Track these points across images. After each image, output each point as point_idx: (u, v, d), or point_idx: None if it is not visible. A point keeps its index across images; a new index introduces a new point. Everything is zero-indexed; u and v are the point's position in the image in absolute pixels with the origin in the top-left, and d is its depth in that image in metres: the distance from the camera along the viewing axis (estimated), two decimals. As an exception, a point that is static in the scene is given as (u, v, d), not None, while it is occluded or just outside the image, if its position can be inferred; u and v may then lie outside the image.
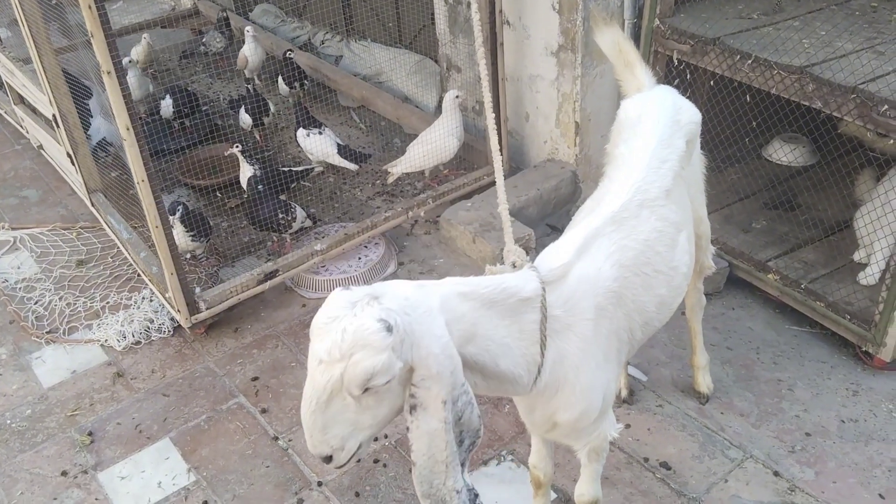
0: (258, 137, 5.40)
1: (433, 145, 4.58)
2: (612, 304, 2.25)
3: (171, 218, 3.97)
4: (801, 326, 3.88)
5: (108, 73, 3.24)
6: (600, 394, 2.25)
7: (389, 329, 1.73)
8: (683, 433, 3.31)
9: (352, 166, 4.84)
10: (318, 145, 4.82)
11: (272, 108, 5.34)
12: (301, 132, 4.88)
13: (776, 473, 3.12)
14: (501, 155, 4.28)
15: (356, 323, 1.73)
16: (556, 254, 2.23)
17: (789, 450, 3.22)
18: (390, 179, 4.84)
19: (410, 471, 3.17)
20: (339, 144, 4.85)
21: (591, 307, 2.18)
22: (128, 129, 3.34)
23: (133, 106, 3.36)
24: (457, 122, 4.55)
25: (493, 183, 4.61)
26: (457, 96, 4.54)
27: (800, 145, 4.68)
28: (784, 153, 4.69)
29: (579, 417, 2.23)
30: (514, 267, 2.27)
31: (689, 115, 2.66)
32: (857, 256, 3.96)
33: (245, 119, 5.27)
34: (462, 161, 4.84)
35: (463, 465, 1.91)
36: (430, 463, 1.83)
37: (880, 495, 3.02)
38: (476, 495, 1.92)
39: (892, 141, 3.41)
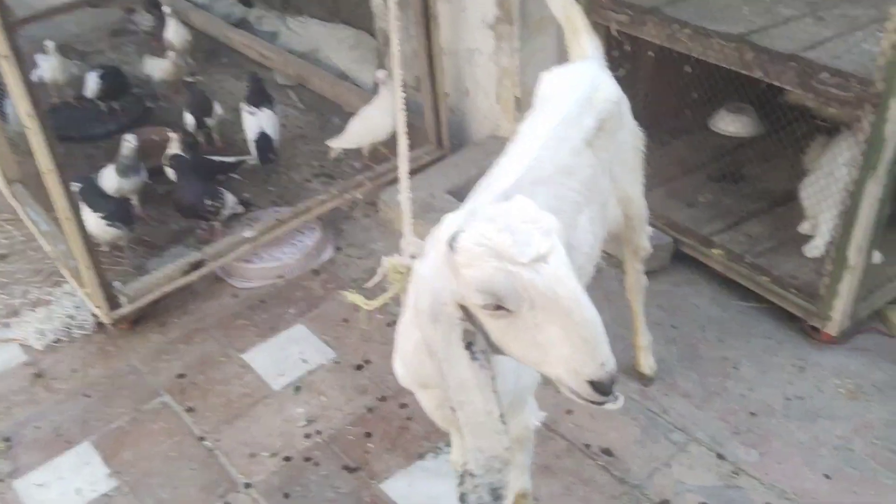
0: (201, 141, 5.00)
1: (369, 122, 4.40)
2: None
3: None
4: (748, 302, 3.78)
5: (6, 57, 3.02)
6: (512, 379, 2.11)
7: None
8: (626, 417, 3.20)
9: (250, 158, 4.62)
10: (245, 123, 4.64)
11: (218, 108, 4.90)
12: (241, 105, 4.70)
13: (720, 456, 3.02)
14: (429, 134, 4.09)
15: (523, 202, 1.65)
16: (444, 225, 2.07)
17: (734, 431, 3.12)
18: (332, 154, 4.66)
19: (349, 469, 3.04)
20: (262, 132, 4.60)
21: None
22: (30, 116, 3.12)
23: (36, 92, 3.15)
24: (388, 104, 4.36)
25: (435, 162, 4.47)
26: (387, 74, 4.35)
27: (746, 115, 4.57)
28: (730, 124, 4.57)
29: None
30: (413, 259, 2.11)
31: (605, 93, 2.51)
32: (803, 228, 3.87)
33: (187, 119, 4.88)
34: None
35: None
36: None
37: (825, 475, 2.93)
38: None
39: (833, 109, 3.30)
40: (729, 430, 3.12)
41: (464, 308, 1.67)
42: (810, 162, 4.10)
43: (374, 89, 5.02)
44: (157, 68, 5.34)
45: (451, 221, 1.69)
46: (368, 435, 3.21)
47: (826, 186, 3.61)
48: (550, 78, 2.58)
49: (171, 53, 5.42)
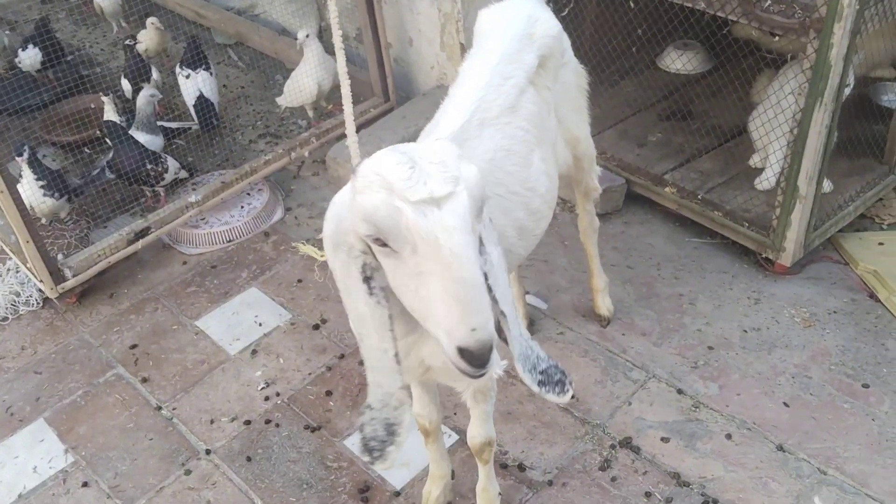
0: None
1: (297, 84, 4.30)
2: None
3: (18, 160, 3.62)
4: (702, 238, 3.79)
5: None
6: None
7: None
8: (585, 359, 3.19)
9: (194, 124, 4.53)
10: (182, 87, 4.51)
11: (155, 74, 4.70)
12: (177, 70, 4.55)
13: (679, 391, 3.04)
14: (374, 87, 3.99)
15: (440, 146, 1.63)
16: None
17: (692, 366, 3.13)
18: (281, 107, 4.60)
19: (311, 429, 3.00)
20: (200, 95, 4.46)
21: None
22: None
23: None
24: (316, 62, 4.25)
25: (383, 115, 4.39)
26: (307, 35, 4.22)
27: (694, 52, 4.54)
28: (677, 61, 4.54)
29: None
30: None
31: (544, 28, 2.44)
32: (753, 161, 3.88)
33: (124, 85, 4.71)
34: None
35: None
36: (511, 308, 1.78)
37: (785, 403, 2.97)
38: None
39: (777, 38, 3.28)
40: (687, 365, 3.14)
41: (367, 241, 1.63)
42: (757, 95, 4.09)
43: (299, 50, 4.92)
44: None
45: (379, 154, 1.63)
46: (329, 394, 3.18)
47: (774, 118, 3.60)
48: (488, 14, 2.51)
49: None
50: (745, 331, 3.28)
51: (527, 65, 2.33)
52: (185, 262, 3.89)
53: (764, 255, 3.54)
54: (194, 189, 4.13)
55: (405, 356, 2.07)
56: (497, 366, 2.22)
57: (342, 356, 3.32)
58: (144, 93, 4.18)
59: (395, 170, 1.50)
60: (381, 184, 1.50)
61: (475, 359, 1.51)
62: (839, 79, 3.09)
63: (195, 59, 4.48)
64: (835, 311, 3.34)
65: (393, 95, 4.42)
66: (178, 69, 4.53)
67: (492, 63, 2.28)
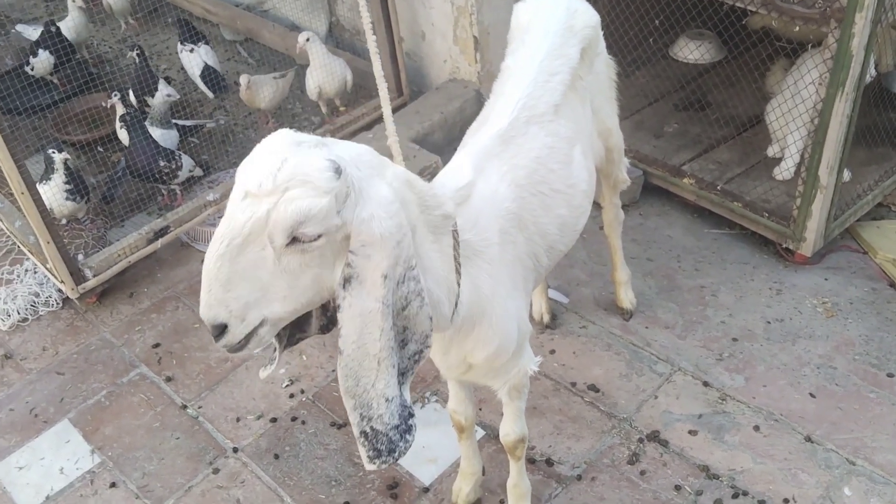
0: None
1: (309, 84, 4.32)
2: (514, 228, 2.09)
3: (55, 156, 3.68)
4: (721, 229, 3.79)
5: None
6: (514, 325, 2.09)
7: (338, 172, 1.50)
8: (609, 353, 3.20)
9: (209, 93, 4.63)
10: (187, 63, 4.63)
11: (163, 87, 4.50)
12: (179, 48, 4.68)
13: (706, 384, 3.04)
14: (387, 82, 3.98)
15: (300, 157, 1.50)
16: (453, 175, 2.02)
17: (717, 358, 3.14)
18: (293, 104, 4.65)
19: (337, 426, 3.02)
20: (206, 65, 4.57)
21: (496, 230, 2.01)
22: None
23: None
24: (318, 65, 4.24)
25: (395, 110, 4.36)
26: (307, 39, 4.21)
27: (706, 41, 4.53)
28: (691, 50, 4.52)
29: (496, 354, 2.06)
30: None
31: (584, 18, 2.44)
32: (771, 151, 3.87)
33: (132, 98, 4.57)
34: (361, 90, 4.54)
35: (404, 374, 1.66)
36: (360, 354, 1.59)
37: (811, 394, 2.97)
38: (411, 414, 1.66)
39: (798, 28, 3.27)
40: (712, 357, 3.14)
41: None
42: (773, 85, 4.09)
43: (326, 38, 4.90)
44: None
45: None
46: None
47: (792, 107, 3.59)
48: (525, 7, 2.51)
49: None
50: (769, 322, 3.28)
51: (571, 59, 2.33)
52: (203, 261, 3.87)
53: (784, 246, 3.54)
54: (210, 187, 4.12)
55: (445, 353, 2.08)
56: (532, 363, 2.23)
57: (365, 353, 3.31)
58: (161, 91, 4.18)
59: (258, 149, 1.57)
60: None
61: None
62: (860, 68, 3.08)
63: (193, 35, 4.65)
64: (856, 301, 3.34)
65: (406, 90, 4.41)
66: (180, 48, 4.68)
67: (537, 59, 2.28)
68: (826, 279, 3.48)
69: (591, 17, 2.47)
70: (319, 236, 1.51)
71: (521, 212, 2.09)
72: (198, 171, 4.12)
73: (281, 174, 1.48)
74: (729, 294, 3.42)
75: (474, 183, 1.98)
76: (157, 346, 3.48)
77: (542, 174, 2.16)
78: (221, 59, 5.23)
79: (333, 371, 3.26)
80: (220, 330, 1.56)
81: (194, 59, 4.61)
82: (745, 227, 3.65)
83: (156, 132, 4.08)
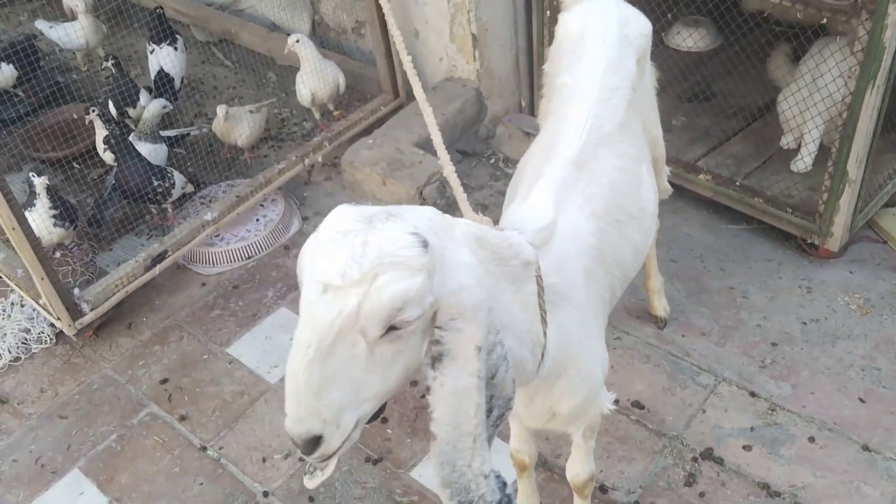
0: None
1: (300, 91, 4.09)
2: (596, 264, 1.95)
3: (35, 181, 3.39)
4: (739, 224, 3.69)
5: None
6: (600, 369, 1.96)
7: (425, 245, 1.34)
8: (649, 364, 3.08)
9: (191, 129, 4.40)
10: (151, 66, 4.42)
11: (144, 97, 4.27)
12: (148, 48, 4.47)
13: (753, 394, 2.95)
14: (382, 84, 3.76)
15: (382, 234, 1.33)
16: (530, 211, 1.86)
17: (760, 365, 3.04)
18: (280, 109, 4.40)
19: (372, 461, 2.85)
20: (160, 70, 4.34)
21: (580, 271, 1.86)
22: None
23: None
24: (311, 67, 4.00)
25: (393, 112, 4.18)
26: (297, 40, 3.98)
27: (703, 28, 4.41)
28: (687, 38, 4.40)
29: (583, 401, 1.93)
30: None
31: (637, 27, 2.30)
32: (785, 142, 3.78)
33: (111, 108, 4.26)
34: (353, 92, 4.34)
35: (488, 442, 1.50)
36: (455, 435, 1.43)
37: (860, 399, 2.90)
38: (504, 483, 1.51)
39: (798, 12, 3.14)
40: (755, 364, 3.05)
41: None
42: (774, 71, 3.99)
43: (310, 36, 4.67)
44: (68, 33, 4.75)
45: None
46: (384, 421, 3.02)
47: (807, 97, 3.50)
48: (574, 18, 2.33)
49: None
50: (805, 323, 3.20)
51: (630, 72, 2.19)
52: (203, 284, 3.67)
53: (809, 241, 3.46)
54: (203, 203, 3.90)
55: (528, 404, 1.93)
56: (607, 402, 2.09)
57: (392, 378, 3.15)
58: (156, 103, 3.93)
59: (324, 234, 1.37)
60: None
61: (296, 444, 1.41)
62: (892, 60, 2.99)
63: (159, 35, 4.40)
64: (887, 296, 3.28)
65: (402, 91, 4.22)
66: (147, 45, 4.45)
67: (598, 74, 2.12)
68: (852, 273, 3.41)
69: (644, 26, 2.33)
70: (418, 317, 1.35)
71: (601, 245, 1.95)
72: (189, 188, 3.89)
73: (367, 259, 1.31)
74: (759, 295, 3.33)
75: (555, 223, 1.82)
76: (164, 381, 3.27)
77: (616, 201, 2.02)
78: (195, 62, 4.97)
79: (360, 400, 3.09)
80: (315, 443, 1.37)
81: (153, 60, 4.37)
82: (765, 221, 3.56)
83: (145, 148, 3.83)
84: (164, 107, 3.94)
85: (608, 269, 1.99)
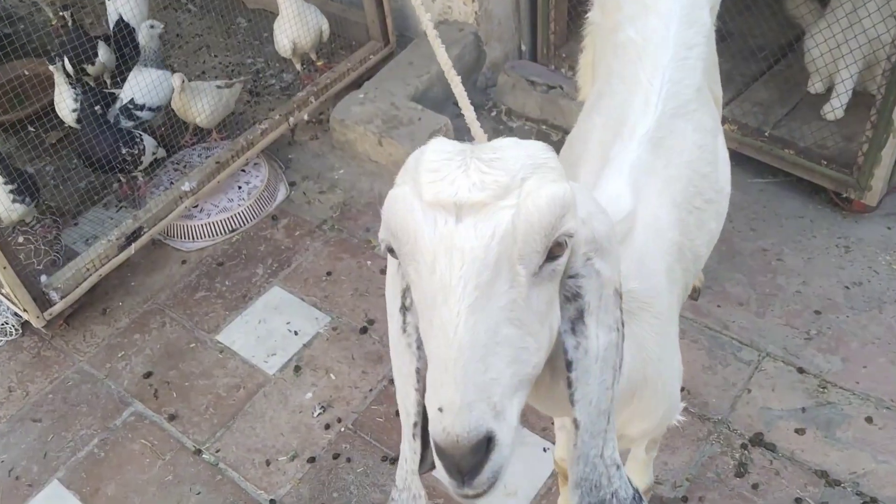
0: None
1: (277, 41, 3.68)
2: (676, 261, 1.65)
3: None
4: (764, 177, 3.42)
5: None
6: (678, 385, 1.68)
7: (554, 151, 1.14)
8: (685, 341, 2.82)
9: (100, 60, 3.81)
10: (109, 13, 3.92)
11: (103, 51, 3.77)
12: None
13: (800, 370, 2.71)
14: (371, 29, 3.34)
15: (508, 144, 1.11)
16: (603, 200, 1.54)
17: (805, 337, 2.80)
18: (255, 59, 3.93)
19: (390, 460, 2.56)
20: (119, 18, 3.84)
21: (663, 272, 1.58)
22: None
23: None
24: (292, 13, 3.57)
25: (384, 61, 3.81)
26: None
27: (713, -40, 4.06)
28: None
29: (658, 423, 1.66)
30: None
31: None
32: (814, 87, 3.49)
33: (66, 66, 3.69)
34: (338, 39, 3.94)
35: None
36: (594, 417, 1.19)
37: (917, 372, 2.67)
38: (629, 480, 1.29)
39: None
40: (800, 336, 2.80)
41: None
42: (795, 9, 3.68)
43: None
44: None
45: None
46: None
47: (841, 42, 3.20)
48: None
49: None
50: (847, 287, 2.95)
51: (705, 25, 1.87)
52: (184, 262, 3.31)
53: (844, 195, 3.20)
54: (177, 169, 3.52)
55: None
56: (677, 412, 1.82)
57: (403, 364, 2.86)
58: (144, 26, 3.53)
59: (430, 157, 1.10)
60: (412, 174, 1.11)
61: (445, 457, 1.02)
62: (949, -4, 2.69)
63: None
64: (930, 253, 3.05)
65: (392, 38, 3.82)
66: None
67: (671, 29, 1.79)
68: (889, 228, 3.17)
69: None
70: (573, 240, 1.11)
71: (681, 238, 1.65)
72: (161, 152, 3.50)
73: (508, 164, 1.07)
74: (795, 256, 3.07)
75: (635, 210, 1.51)
76: (148, 375, 2.94)
77: (696, 184, 1.72)
78: (157, 8, 4.50)
79: (371, 390, 2.80)
80: (484, 447, 1.02)
81: (111, 9, 3.89)
82: (790, 173, 3.29)
83: (152, 75, 3.48)
84: (153, 26, 3.51)
85: (686, 265, 1.70)
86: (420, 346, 1.24)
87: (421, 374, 1.26)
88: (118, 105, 3.51)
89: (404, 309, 1.25)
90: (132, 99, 3.49)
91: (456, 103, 3.77)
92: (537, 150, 1.11)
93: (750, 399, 2.65)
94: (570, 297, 1.16)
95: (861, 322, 2.83)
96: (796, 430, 2.56)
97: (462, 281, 1.03)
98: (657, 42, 1.78)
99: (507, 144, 1.11)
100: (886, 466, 2.45)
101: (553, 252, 1.08)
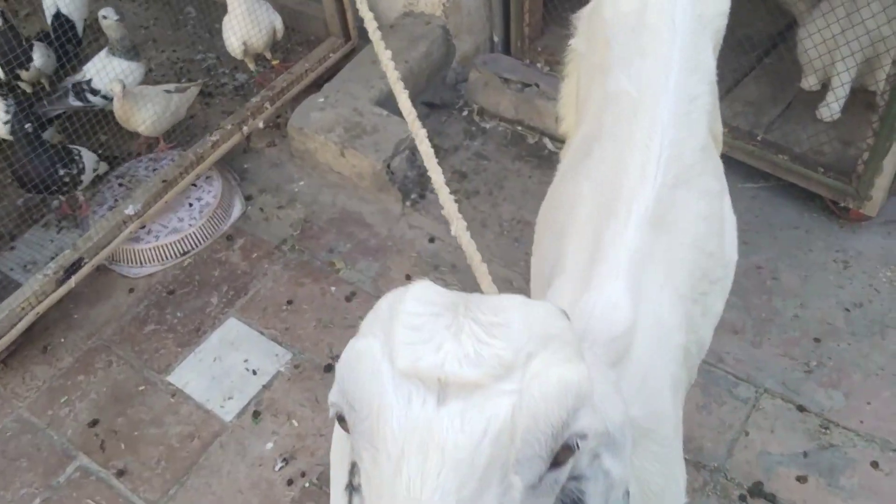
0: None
1: (224, 37, 3.36)
2: (681, 366, 1.42)
3: None
4: (756, 182, 3.20)
5: None
6: None
7: (569, 319, 0.94)
8: (676, 376, 2.61)
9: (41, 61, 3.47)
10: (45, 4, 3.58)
11: (39, 53, 3.40)
12: None
13: (801, 408, 2.52)
14: (329, 24, 3.06)
15: (519, 304, 0.89)
16: (598, 306, 1.29)
17: (805, 370, 2.61)
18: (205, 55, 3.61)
19: None
20: (57, 13, 3.48)
21: (668, 387, 1.35)
22: None
23: None
24: (241, 10, 3.26)
25: (345, 60, 3.52)
26: None
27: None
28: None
29: None
30: None
31: (715, 6, 1.72)
32: (808, 84, 3.25)
33: None
34: (294, 34, 3.62)
35: None
36: None
37: (924, 408, 2.49)
38: None
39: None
40: (799, 369, 2.61)
41: None
42: (788, -1, 3.43)
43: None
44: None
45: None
46: None
47: (838, 35, 2.96)
48: None
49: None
50: (847, 309, 2.76)
51: (709, 70, 1.63)
52: (131, 290, 3.04)
53: (842, 205, 2.99)
54: (121, 185, 3.23)
55: None
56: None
57: (372, 406, 2.63)
58: (100, 17, 3.23)
59: (411, 308, 0.87)
60: (382, 326, 0.89)
61: None
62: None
63: None
64: (932, 266, 2.86)
65: (354, 33, 3.53)
66: None
67: (670, 78, 1.53)
68: (889, 239, 2.98)
69: (723, 2, 1.74)
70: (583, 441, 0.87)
71: (687, 337, 1.42)
72: (103, 167, 3.20)
73: (514, 332, 0.84)
74: (791, 274, 2.87)
75: (634, 323, 1.26)
76: (94, 423, 2.69)
77: (702, 265, 1.49)
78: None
79: (337, 438, 2.57)
80: None
81: (48, 2, 3.53)
82: (782, 178, 3.08)
83: (118, 66, 3.21)
84: (105, 17, 3.20)
85: (691, 364, 1.48)
86: None
87: None
88: (73, 79, 3.25)
89: (351, 489, 1.00)
90: (90, 80, 3.19)
91: (424, 102, 3.50)
92: (550, 316, 0.89)
93: (748, 442, 2.46)
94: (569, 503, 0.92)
95: (863, 350, 2.64)
96: (797, 478, 2.37)
97: (438, 493, 0.79)
98: (655, 94, 1.52)
99: (512, 305, 0.88)
100: (895, 518, 2.28)
101: (558, 458, 0.85)
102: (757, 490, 2.36)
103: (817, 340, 2.68)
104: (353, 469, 1.00)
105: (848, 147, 3.02)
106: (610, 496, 0.96)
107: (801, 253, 2.95)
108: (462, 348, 0.83)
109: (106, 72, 3.18)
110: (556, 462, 0.85)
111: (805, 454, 2.42)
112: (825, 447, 2.43)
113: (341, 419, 0.92)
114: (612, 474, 0.96)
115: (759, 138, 3.09)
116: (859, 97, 3.12)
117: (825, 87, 3.17)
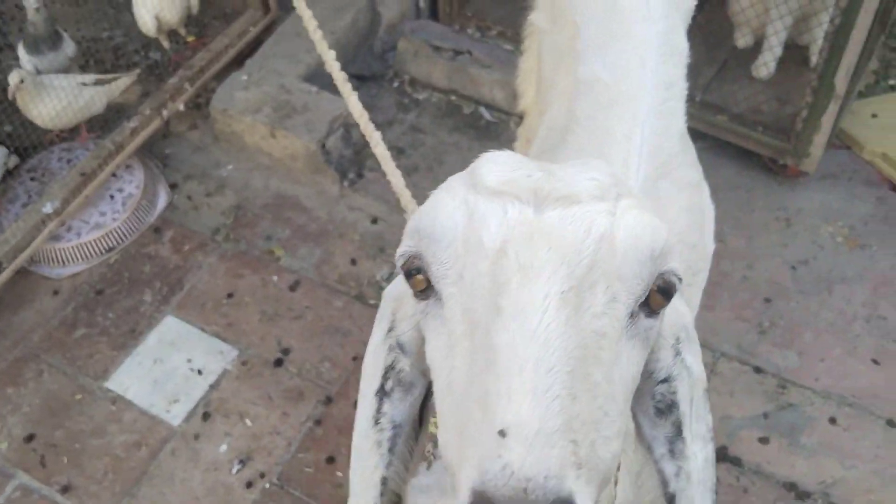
0: None
1: (134, 12, 3.13)
2: None
3: None
4: (695, 142, 3.18)
5: None
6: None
7: None
8: (634, 346, 2.61)
9: None
10: None
11: None
12: None
13: (758, 370, 2.55)
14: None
15: (595, 162, 0.88)
16: None
17: (758, 331, 2.64)
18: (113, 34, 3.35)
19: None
20: None
21: None
22: None
23: None
24: None
25: (266, 32, 3.34)
26: None
27: None
28: None
29: None
30: None
31: None
32: (742, 41, 3.26)
33: None
34: (210, 8, 3.41)
35: None
36: None
37: (874, 360, 2.56)
38: None
39: None
40: (753, 330, 2.63)
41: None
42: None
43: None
44: None
45: None
46: (331, 460, 2.42)
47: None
48: None
49: None
50: (793, 267, 2.80)
51: (683, 53, 1.58)
52: (56, 292, 2.84)
53: (781, 162, 3.02)
54: (34, 179, 3.01)
55: None
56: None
57: (328, 399, 2.54)
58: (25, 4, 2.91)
59: (489, 167, 0.85)
60: (464, 179, 0.85)
61: None
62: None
63: None
64: (870, 221, 2.94)
65: (274, 4, 3.33)
66: None
67: (647, 64, 1.47)
68: (828, 194, 3.06)
69: None
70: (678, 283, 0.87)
71: None
72: (13, 160, 2.97)
73: (603, 175, 0.84)
74: (737, 236, 2.89)
75: None
76: (30, 438, 2.51)
77: (685, 258, 1.45)
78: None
79: (295, 435, 2.48)
80: None
81: None
82: (719, 137, 3.09)
83: (44, 60, 2.95)
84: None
85: None
86: (392, 448, 0.98)
87: (388, 487, 0.99)
88: None
89: (382, 393, 0.98)
90: None
91: (353, 74, 3.36)
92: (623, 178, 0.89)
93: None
94: (665, 408, 0.95)
95: (811, 307, 2.69)
96: (760, 440, 2.40)
97: (550, 264, 0.75)
98: (633, 84, 1.46)
99: (597, 163, 0.87)
100: (855, 472, 2.34)
101: (652, 303, 0.82)
102: (722, 454, 2.38)
103: (768, 301, 2.71)
104: (388, 372, 0.98)
105: (784, 105, 3.04)
106: (694, 395, 0.98)
107: (744, 214, 2.97)
108: (554, 178, 0.81)
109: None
110: (651, 309, 0.83)
111: (765, 415, 2.45)
112: (784, 407, 2.47)
113: (410, 273, 0.85)
114: (693, 370, 0.98)
115: (697, 100, 3.07)
116: (793, 54, 3.15)
117: (758, 44, 3.18)
